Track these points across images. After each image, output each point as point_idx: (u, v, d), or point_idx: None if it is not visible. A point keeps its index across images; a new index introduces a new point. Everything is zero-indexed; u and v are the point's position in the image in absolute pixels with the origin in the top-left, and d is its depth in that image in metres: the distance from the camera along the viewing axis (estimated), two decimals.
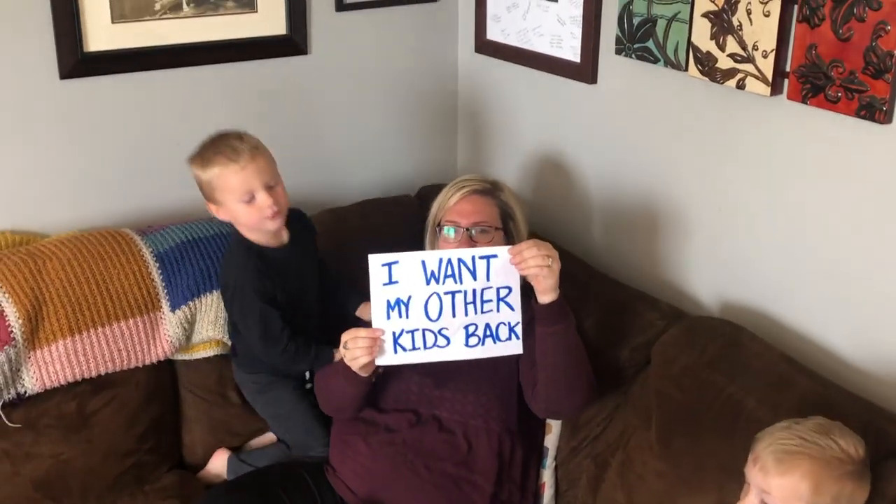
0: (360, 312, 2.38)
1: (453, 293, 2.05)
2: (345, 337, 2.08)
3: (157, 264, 2.38)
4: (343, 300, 2.40)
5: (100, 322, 2.30)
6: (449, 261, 2.05)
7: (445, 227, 2.25)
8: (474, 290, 2.06)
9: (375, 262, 2.04)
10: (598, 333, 2.31)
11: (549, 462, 2.32)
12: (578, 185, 2.68)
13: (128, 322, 2.33)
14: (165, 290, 2.37)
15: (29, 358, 2.24)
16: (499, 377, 2.23)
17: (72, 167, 2.52)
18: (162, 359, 2.41)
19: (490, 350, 2.09)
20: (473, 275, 2.05)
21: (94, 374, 2.31)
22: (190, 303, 2.39)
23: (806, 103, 2.00)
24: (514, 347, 2.10)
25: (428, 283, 2.05)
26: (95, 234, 2.41)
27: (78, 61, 2.43)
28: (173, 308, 2.37)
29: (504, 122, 2.91)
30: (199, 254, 2.41)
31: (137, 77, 2.53)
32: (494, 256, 2.05)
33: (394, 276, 2.04)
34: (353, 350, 2.06)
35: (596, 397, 2.22)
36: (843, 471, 1.66)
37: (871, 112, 1.89)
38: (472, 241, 2.22)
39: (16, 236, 2.45)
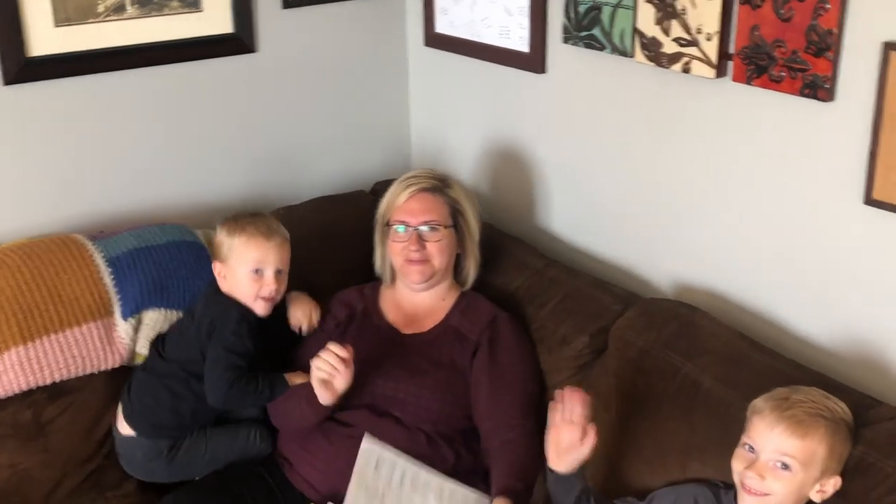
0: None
1: None
2: (317, 359, 2.12)
3: (110, 269, 2.35)
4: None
5: (52, 329, 2.27)
6: None
7: (395, 226, 2.29)
8: None
9: None
10: (555, 321, 2.32)
11: None
12: (532, 174, 2.69)
13: (81, 328, 2.30)
14: (118, 296, 2.35)
15: None
16: (458, 382, 2.24)
17: (19, 174, 2.48)
18: (118, 365, 2.37)
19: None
20: None
21: (48, 381, 2.28)
22: (137, 315, 2.36)
23: (750, 84, 2.03)
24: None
25: None
26: (45, 240, 2.37)
27: (22, 66, 2.39)
28: (124, 316, 2.35)
29: (456, 115, 2.91)
30: (151, 262, 2.38)
31: (83, 80, 2.50)
32: None
33: None
34: (324, 370, 2.10)
35: None
36: (848, 434, 1.73)
37: (815, 90, 1.92)
38: (421, 240, 2.25)
39: None
